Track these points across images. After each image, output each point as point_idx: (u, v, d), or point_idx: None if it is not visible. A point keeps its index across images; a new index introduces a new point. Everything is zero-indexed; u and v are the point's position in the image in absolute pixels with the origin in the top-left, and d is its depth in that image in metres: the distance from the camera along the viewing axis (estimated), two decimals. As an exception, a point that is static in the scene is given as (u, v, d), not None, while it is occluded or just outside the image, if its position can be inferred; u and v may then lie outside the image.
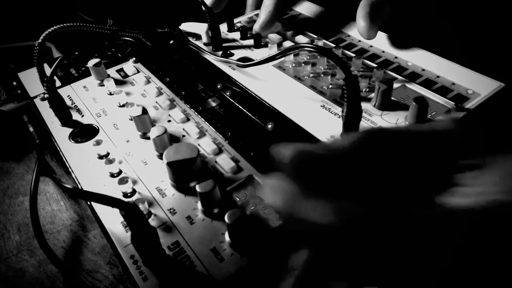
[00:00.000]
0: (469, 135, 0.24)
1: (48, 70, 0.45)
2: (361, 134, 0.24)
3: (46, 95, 0.42)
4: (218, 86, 0.44)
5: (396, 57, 0.45)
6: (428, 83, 0.41)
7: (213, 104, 0.43)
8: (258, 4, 0.58)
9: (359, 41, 0.48)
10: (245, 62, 0.42)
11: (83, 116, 0.44)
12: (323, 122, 0.37)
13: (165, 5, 0.70)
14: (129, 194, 0.34)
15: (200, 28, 0.51)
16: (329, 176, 0.23)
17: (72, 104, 0.46)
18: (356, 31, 0.50)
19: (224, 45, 0.51)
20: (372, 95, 0.39)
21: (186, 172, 0.33)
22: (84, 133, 0.41)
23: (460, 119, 0.33)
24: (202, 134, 0.39)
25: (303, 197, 0.21)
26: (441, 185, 0.22)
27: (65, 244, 0.39)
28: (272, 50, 0.47)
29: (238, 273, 0.28)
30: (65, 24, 0.40)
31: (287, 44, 0.49)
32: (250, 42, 0.51)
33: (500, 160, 0.23)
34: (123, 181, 0.34)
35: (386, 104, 0.38)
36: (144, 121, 0.39)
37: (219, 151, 0.37)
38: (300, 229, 0.22)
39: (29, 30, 0.58)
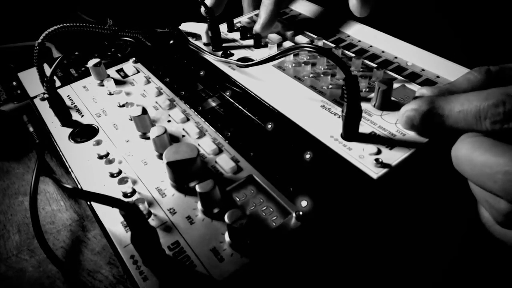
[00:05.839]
0: None
1: (48, 70, 0.45)
2: None
3: (46, 95, 0.42)
4: (218, 86, 0.44)
5: (396, 57, 0.45)
6: (428, 83, 0.41)
7: (213, 104, 0.43)
8: (256, 4, 0.58)
9: (359, 41, 0.48)
10: (245, 62, 0.42)
11: (83, 116, 0.44)
12: (323, 122, 0.37)
13: (165, 5, 0.70)
14: (129, 194, 0.34)
15: (200, 28, 0.51)
16: None
17: (72, 104, 0.46)
18: (356, 31, 0.50)
19: (224, 45, 0.51)
20: (372, 95, 0.39)
21: (186, 172, 0.33)
22: (84, 133, 0.41)
23: None
24: (202, 134, 0.39)
25: None
26: None
27: (65, 244, 0.39)
28: (272, 50, 0.46)
29: (238, 273, 0.28)
30: (65, 24, 0.40)
31: (287, 44, 0.49)
32: (250, 42, 0.51)
33: None
34: (123, 181, 0.34)
35: (386, 104, 0.38)
36: (144, 121, 0.39)
37: (219, 151, 0.37)
38: None
39: (29, 30, 0.58)
